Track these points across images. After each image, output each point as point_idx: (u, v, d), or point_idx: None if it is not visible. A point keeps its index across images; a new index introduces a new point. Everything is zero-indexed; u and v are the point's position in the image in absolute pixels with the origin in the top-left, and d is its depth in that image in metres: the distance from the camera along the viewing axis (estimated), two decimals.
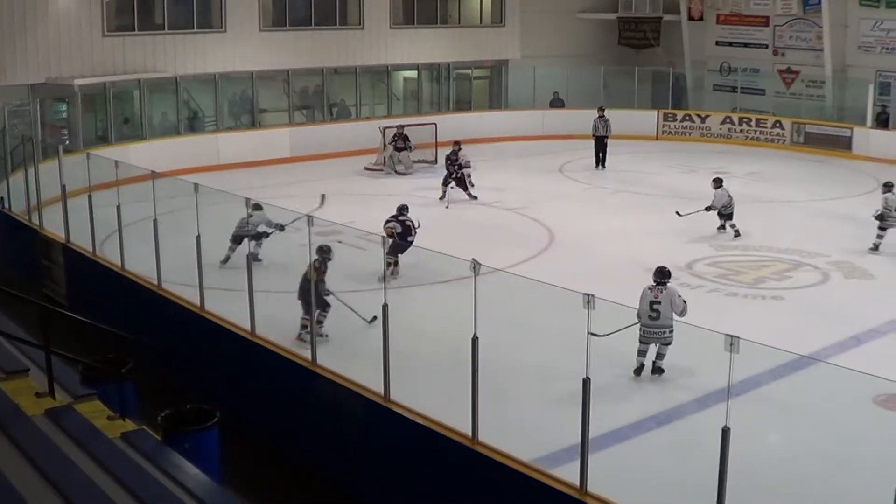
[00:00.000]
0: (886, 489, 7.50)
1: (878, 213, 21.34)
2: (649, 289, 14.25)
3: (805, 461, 11.76)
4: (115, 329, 12.34)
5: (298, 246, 14.45)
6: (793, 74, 38.41)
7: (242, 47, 32.49)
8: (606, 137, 31.82)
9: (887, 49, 35.42)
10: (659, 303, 14.00)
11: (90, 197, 18.02)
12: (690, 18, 40.96)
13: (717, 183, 22.98)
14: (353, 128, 34.59)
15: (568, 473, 9.75)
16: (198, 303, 15.09)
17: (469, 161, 27.43)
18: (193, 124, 32.68)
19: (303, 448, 13.07)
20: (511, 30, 39.45)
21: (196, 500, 8.24)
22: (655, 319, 13.97)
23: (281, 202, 19.42)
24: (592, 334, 12.69)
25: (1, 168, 23.58)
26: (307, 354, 12.91)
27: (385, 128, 31.75)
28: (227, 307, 14.84)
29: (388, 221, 18.93)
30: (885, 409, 12.36)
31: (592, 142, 32.04)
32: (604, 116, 32.01)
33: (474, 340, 10.33)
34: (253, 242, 18.50)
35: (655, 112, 38.78)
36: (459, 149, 27.58)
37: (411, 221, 19.02)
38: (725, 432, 8.28)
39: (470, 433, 10.53)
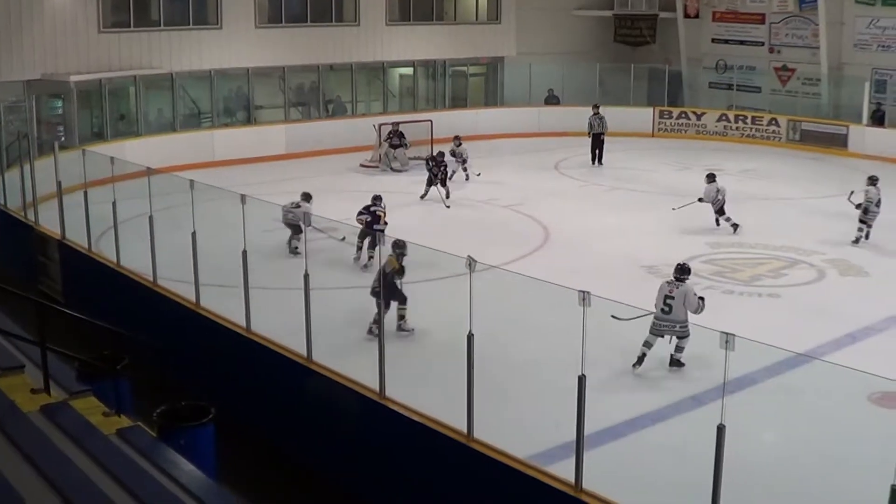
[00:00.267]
0: (882, 487, 7.51)
1: (860, 205, 21.64)
2: (666, 283, 14.54)
3: (800, 459, 11.77)
4: (111, 325, 12.32)
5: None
6: (789, 72, 38.44)
7: (238, 44, 32.48)
8: (602, 134, 31.88)
9: (883, 46, 35.46)
10: (673, 298, 14.19)
11: (86, 193, 18.00)
12: (686, 16, 41.01)
13: (710, 178, 23.20)
14: (349, 125, 34.59)
15: (563, 471, 9.75)
16: (193, 299, 15.08)
17: (468, 156, 28.50)
18: (189, 121, 32.66)
19: (298, 445, 13.07)
20: (507, 27, 39.48)
21: (191, 496, 8.23)
22: (667, 313, 14.16)
23: (277, 199, 19.42)
24: (614, 317, 12.76)
25: None
26: (305, 351, 12.89)
27: (380, 125, 31.78)
28: (222, 304, 14.84)
29: (359, 213, 19.45)
30: (881, 407, 12.38)
31: (588, 139, 32.10)
32: (599, 114, 32.04)
33: (469, 337, 10.33)
34: (294, 236, 19.81)
35: (651, 109, 38.82)
36: (460, 144, 28.40)
37: (383, 211, 19.49)
38: (721, 430, 8.28)
39: (465, 430, 10.53)
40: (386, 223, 19.37)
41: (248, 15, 32.85)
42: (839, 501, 10.79)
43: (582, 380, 9.28)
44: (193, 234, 14.78)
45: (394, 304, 15.28)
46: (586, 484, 9.45)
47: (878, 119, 34.54)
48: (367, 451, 11.97)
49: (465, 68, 39.66)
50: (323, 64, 34.92)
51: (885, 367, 9.07)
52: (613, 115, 32.93)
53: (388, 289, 14.51)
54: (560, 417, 10.16)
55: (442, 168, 25.77)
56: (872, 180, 21.79)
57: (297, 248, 19.56)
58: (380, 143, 31.35)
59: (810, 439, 12.27)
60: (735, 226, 22.65)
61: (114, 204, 17.18)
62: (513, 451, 10.22)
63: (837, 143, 34.70)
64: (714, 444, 8.33)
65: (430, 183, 25.95)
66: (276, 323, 14.04)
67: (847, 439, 12.16)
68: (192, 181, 14.80)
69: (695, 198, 23.04)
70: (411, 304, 15.57)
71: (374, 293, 14.75)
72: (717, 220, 23.00)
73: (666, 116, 38.67)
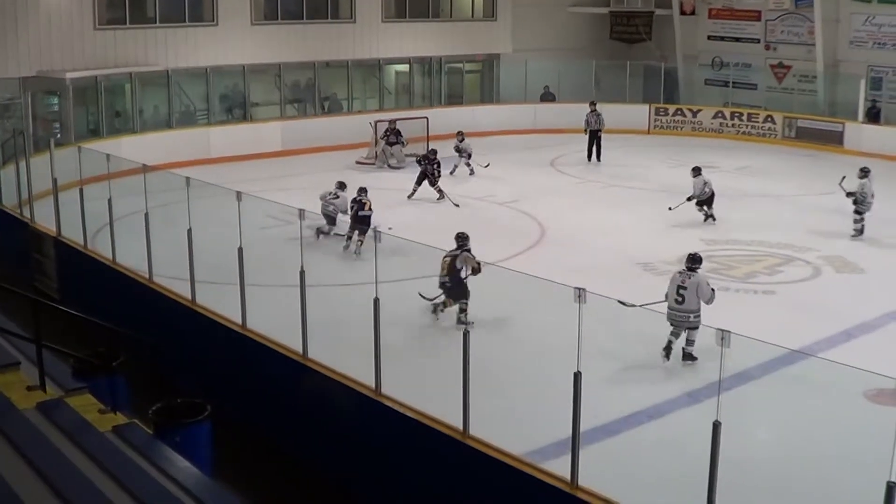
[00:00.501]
0: (877, 484, 7.51)
1: (851, 193, 21.95)
2: (679, 273, 14.61)
3: (796, 455, 11.78)
4: (107, 323, 12.33)
5: (289, 240, 14.44)
6: (784, 69, 38.46)
7: (234, 41, 32.43)
8: (599, 132, 31.94)
9: (879, 44, 35.48)
10: (685, 288, 14.28)
11: (81, 190, 18.01)
12: (682, 13, 41.00)
13: (696, 172, 23.45)
14: (345, 121, 34.61)
15: (559, 467, 9.76)
16: (189, 296, 15.08)
17: (471, 150, 29.05)
18: (185, 118, 32.62)
19: (294, 441, 13.07)
20: (503, 24, 39.45)
21: (187, 493, 8.24)
22: (680, 304, 14.25)
23: (273, 196, 19.39)
24: (621, 302, 12.80)
25: None
26: (301, 348, 12.89)
27: (376, 121, 31.78)
28: (218, 301, 14.84)
29: (351, 201, 20.79)
30: (876, 404, 12.38)
31: (584, 136, 32.13)
32: (596, 111, 32.08)
33: (465, 334, 10.34)
34: (331, 226, 20.94)
35: (647, 106, 38.85)
36: (463, 139, 29.17)
37: (367, 201, 20.57)
38: (716, 426, 8.29)
39: (461, 427, 10.53)
40: (371, 210, 20.41)
41: (244, 12, 32.81)
42: (835, 498, 10.81)
43: (577, 376, 9.29)
44: (189, 231, 14.79)
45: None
46: (582, 481, 9.45)
47: (873, 116, 34.59)
48: (362, 447, 11.97)
49: (461, 65, 39.64)
50: (319, 61, 34.88)
51: (880, 363, 9.06)
52: (609, 112, 32.94)
53: (458, 285, 15.43)
54: (556, 414, 10.15)
55: (435, 166, 25.67)
56: (865, 172, 22.00)
57: (330, 233, 20.90)
58: (376, 141, 31.34)
59: (806, 436, 12.28)
60: (712, 217, 23.12)
61: (109, 201, 17.16)
62: (508, 448, 10.23)
63: (833, 140, 34.71)
64: (710, 441, 8.34)
65: (419, 181, 25.78)
66: (271, 320, 14.04)
67: (843, 436, 12.17)
68: (187, 178, 14.82)
69: (686, 196, 23.19)
70: (406, 302, 15.59)
71: (442, 285, 15.76)
72: (705, 215, 23.28)
73: (662, 113, 38.68)
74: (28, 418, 9.32)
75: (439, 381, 12.15)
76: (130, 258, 16.87)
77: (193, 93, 32.76)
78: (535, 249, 21.20)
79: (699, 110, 38.45)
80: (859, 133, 34.06)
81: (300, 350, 12.82)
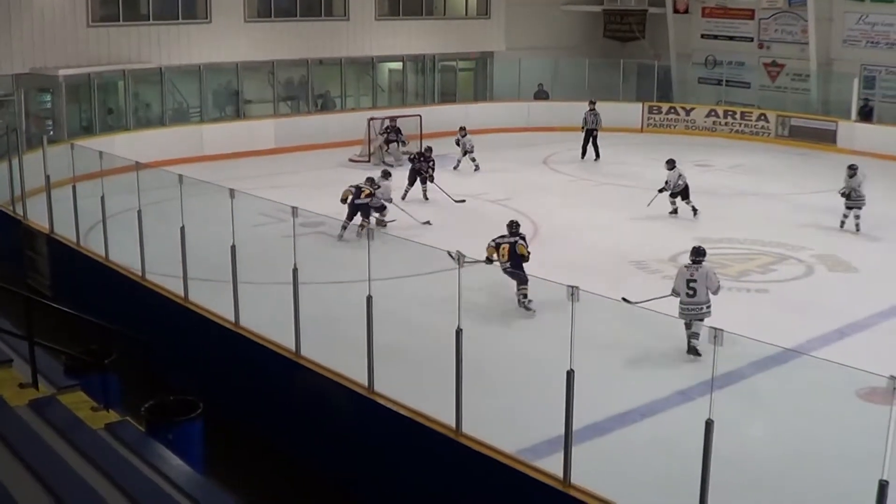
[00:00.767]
0: (869, 482, 7.52)
1: (845, 191, 22.31)
2: (685, 267, 14.89)
3: (788, 454, 11.79)
4: (99, 320, 12.32)
5: (282, 237, 14.41)
6: (778, 68, 38.51)
7: (227, 38, 32.40)
8: (596, 131, 31.99)
9: (872, 43, 35.55)
10: (695, 281, 14.54)
11: (74, 187, 17.97)
12: (676, 11, 41.04)
13: (670, 164, 23.82)
14: (338, 119, 34.58)
15: (551, 465, 9.76)
16: (182, 294, 15.06)
17: (473, 146, 29.63)
18: (178, 115, 32.59)
19: (286, 439, 13.06)
20: (496, 22, 39.46)
21: (179, 491, 8.23)
22: (692, 297, 14.52)
23: (266, 193, 19.37)
24: (625, 300, 12.75)
25: None
26: (293, 346, 12.88)
27: (372, 119, 31.77)
28: (211, 298, 14.82)
29: (350, 186, 21.54)
30: (868, 402, 12.39)
31: (578, 134, 32.19)
32: (594, 110, 32.13)
33: (458, 332, 10.33)
34: (376, 214, 21.73)
35: (640, 105, 38.87)
36: (465, 134, 29.64)
37: (367, 189, 21.25)
38: (709, 425, 8.29)
39: (454, 425, 10.53)
40: (368, 198, 21.17)
41: (238, 9, 32.78)
42: (827, 496, 10.83)
43: (570, 375, 9.29)
44: (182, 228, 14.77)
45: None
46: (575, 479, 9.46)
47: (866, 115, 34.64)
48: (355, 445, 11.97)
49: (454, 63, 39.65)
50: (312, 58, 34.85)
51: (873, 362, 9.07)
52: (603, 111, 32.83)
53: (519, 269, 16.32)
54: (549, 412, 10.15)
55: (430, 164, 25.60)
56: (853, 169, 22.17)
57: (383, 222, 21.83)
58: (369, 139, 31.34)
59: (798, 435, 12.29)
60: (675, 212, 23.72)
61: (102, 198, 17.14)
62: (501, 446, 10.23)
63: (826, 138, 34.76)
64: (702, 439, 8.34)
65: (411, 181, 25.50)
66: (264, 317, 14.03)
67: (835, 435, 12.20)
68: (180, 175, 14.80)
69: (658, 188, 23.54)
70: (402, 299, 15.58)
71: (505, 272, 16.43)
72: (675, 210, 23.80)
73: (655, 112, 38.71)
74: (20, 416, 9.30)
75: (432, 379, 12.15)
76: (123, 256, 16.84)
77: (186, 90, 32.70)
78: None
79: (692, 109, 38.48)
80: (852, 132, 34.11)
81: (293, 348, 12.81)
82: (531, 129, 37.28)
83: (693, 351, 14.45)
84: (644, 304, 13.95)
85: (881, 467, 7.34)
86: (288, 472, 12.57)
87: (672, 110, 38.65)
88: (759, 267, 19.68)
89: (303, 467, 12.60)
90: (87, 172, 18.02)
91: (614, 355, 14.30)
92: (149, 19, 30.89)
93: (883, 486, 7.44)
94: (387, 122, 31.51)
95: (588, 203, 25.78)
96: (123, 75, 30.23)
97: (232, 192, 13.50)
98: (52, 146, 20.43)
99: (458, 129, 30.11)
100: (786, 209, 24.99)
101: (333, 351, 12.98)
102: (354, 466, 12.06)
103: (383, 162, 30.58)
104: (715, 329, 8.07)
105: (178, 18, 31.51)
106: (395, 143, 31.06)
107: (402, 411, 11.16)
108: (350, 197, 21.19)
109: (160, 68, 31.06)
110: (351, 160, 31.26)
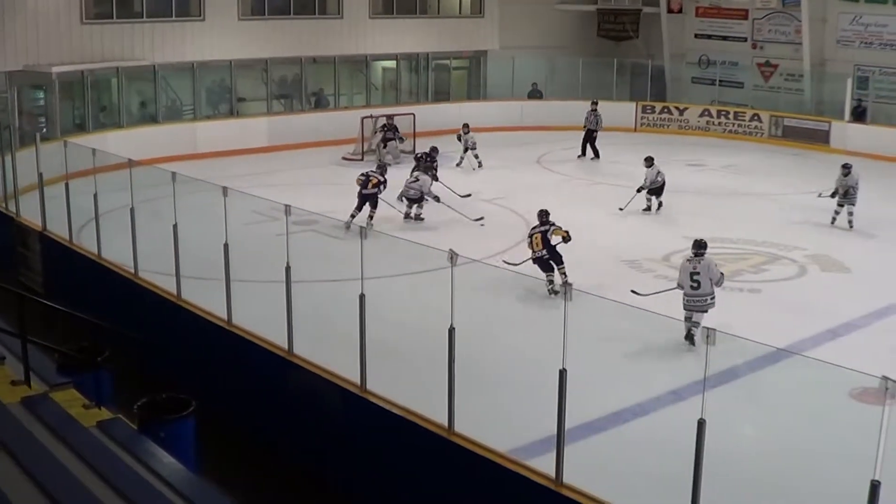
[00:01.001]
0: (862, 482, 7.53)
1: (835, 191, 22.58)
2: (688, 260, 15.15)
3: (781, 454, 11.80)
4: (92, 318, 12.30)
5: (275, 235, 14.39)
6: (771, 68, 38.56)
7: (221, 36, 32.35)
8: (596, 131, 32.08)
9: (865, 43, 35.59)
10: (698, 273, 14.88)
11: (67, 185, 17.95)
12: (670, 11, 41.06)
13: (649, 162, 24.11)
14: (332, 117, 34.53)
15: (544, 464, 9.77)
16: (174, 292, 15.05)
17: (475, 142, 29.99)
18: (171, 113, 32.54)
19: (279, 437, 13.05)
20: (490, 20, 39.46)
21: (171, 488, 8.22)
22: (696, 289, 14.84)
23: (259, 191, 19.39)
24: (634, 292, 12.74)
25: None
26: (286, 344, 12.87)
27: (366, 117, 31.75)
28: (203, 296, 14.81)
29: (361, 174, 22.27)
30: (861, 403, 12.40)
31: (572, 133, 32.37)
32: (596, 111, 32.21)
33: (451, 331, 10.33)
34: (415, 206, 22.68)
35: (634, 104, 38.88)
36: (468, 131, 29.90)
37: (377, 178, 21.99)
38: (701, 424, 8.30)
39: (446, 424, 10.53)
40: (376, 188, 21.79)
41: (231, 7, 32.73)
42: (820, 496, 10.84)
43: (563, 374, 9.29)
44: (175, 226, 14.76)
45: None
46: (567, 478, 9.46)
47: (859, 115, 34.69)
48: (347, 444, 11.96)
49: (448, 62, 39.64)
50: (306, 57, 34.80)
51: (865, 362, 9.07)
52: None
53: (554, 254, 17.26)
54: (541, 411, 10.16)
55: (435, 164, 25.55)
56: (847, 168, 22.26)
57: (419, 215, 22.63)
58: (363, 137, 31.31)
59: (791, 435, 12.30)
60: (649, 209, 24.10)
61: (95, 196, 17.11)
62: (493, 445, 10.23)
63: (819, 138, 34.80)
64: (695, 439, 8.35)
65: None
66: (257, 315, 14.01)
67: (828, 434, 12.21)
68: (173, 173, 14.79)
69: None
70: (393, 297, 15.58)
71: (538, 259, 17.26)
72: (648, 207, 24.17)
73: (648, 111, 38.74)
74: (12, 413, 9.30)
75: (425, 378, 12.14)
76: (116, 253, 16.82)
77: (180, 88, 32.65)
78: (521, 246, 21.14)
79: (686, 108, 38.52)
80: (845, 132, 34.14)
81: (285, 346, 12.80)
82: (525, 128, 37.25)
83: (690, 339, 14.56)
84: (651, 295, 14.09)
85: (873, 467, 7.34)
86: (280, 469, 12.56)
87: (666, 110, 38.69)
88: (751, 267, 19.70)
89: (295, 465, 12.58)
90: (80, 170, 18.01)
91: (607, 354, 14.30)
92: (142, 17, 30.83)
93: (875, 487, 7.44)
94: (383, 121, 31.47)
95: (581, 202, 25.74)
96: (117, 73, 30.17)
97: (225, 190, 13.49)
98: (45, 143, 20.37)
99: (461, 126, 30.22)
100: (779, 209, 25.01)
101: (326, 349, 12.98)
102: (346, 465, 12.06)
103: (381, 160, 30.53)
104: (707, 328, 8.08)
105: (171, 16, 31.46)
106: (393, 142, 31.02)
107: (395, 410, 11.16)
108: (360, 186, 21.82)
109: (153, 66, 31.01)
110: (344, 158, 31.21)
